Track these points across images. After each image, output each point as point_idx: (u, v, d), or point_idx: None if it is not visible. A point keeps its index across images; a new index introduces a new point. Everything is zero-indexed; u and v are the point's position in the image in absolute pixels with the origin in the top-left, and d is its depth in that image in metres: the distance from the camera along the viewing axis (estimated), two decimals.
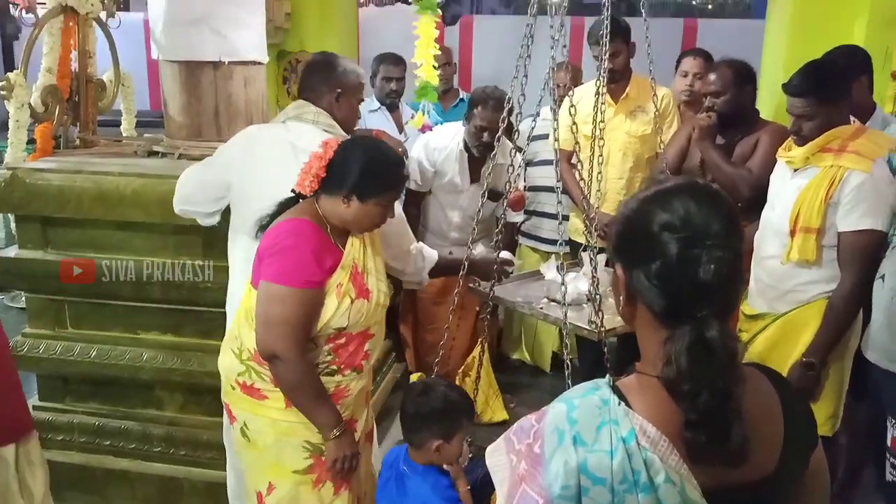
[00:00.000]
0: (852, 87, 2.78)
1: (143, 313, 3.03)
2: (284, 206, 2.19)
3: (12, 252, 3.10)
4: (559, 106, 2.42)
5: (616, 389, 1.12)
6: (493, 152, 2.80)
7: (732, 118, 3.12)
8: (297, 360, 2.06)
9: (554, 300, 2.67)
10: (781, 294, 2.69)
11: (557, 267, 2.83)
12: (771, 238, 2.72)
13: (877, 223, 2.48)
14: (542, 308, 2.67)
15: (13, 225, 3.14)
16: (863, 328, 2.60)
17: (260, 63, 3.14)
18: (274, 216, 2.17)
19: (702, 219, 1.09)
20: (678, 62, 4.07)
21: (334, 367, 2.18)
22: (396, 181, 2.23)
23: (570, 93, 2.71)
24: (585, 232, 3.02)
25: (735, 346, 1.08)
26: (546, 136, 3.70)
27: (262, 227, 2.17)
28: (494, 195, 3.24)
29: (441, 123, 3.82)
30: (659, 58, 4.11)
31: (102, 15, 3.45)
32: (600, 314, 2.40)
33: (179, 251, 2.90)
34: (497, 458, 1.17)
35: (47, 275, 2.93)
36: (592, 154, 3.01)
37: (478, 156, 3.51)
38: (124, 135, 3.72)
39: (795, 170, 2.66)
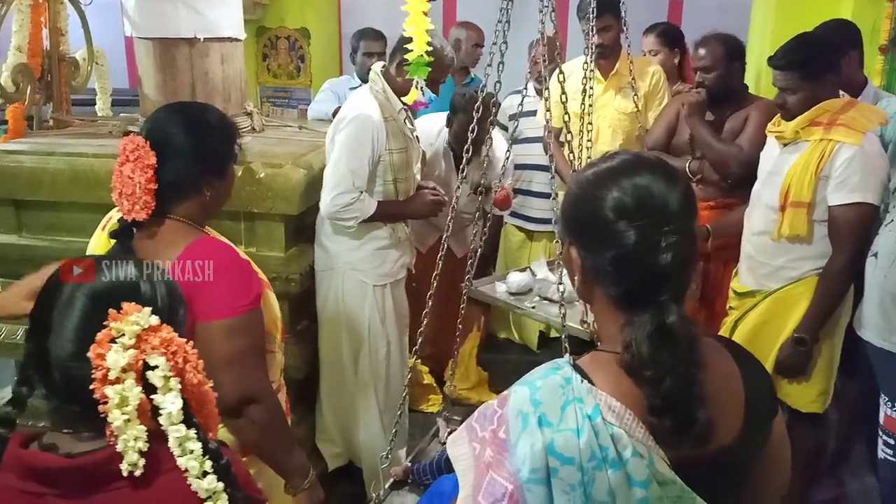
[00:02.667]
0: (841, 62, 2.74)
1: None
2: (124, 242, 1.67)
3: None
4: (547, 81, 2.34)
5: (577, 368, 1.10)
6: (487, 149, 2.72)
7: (722, 94, 3.08)
8: (272, 392, 1.78)
9: (546, 298, 2.63)
10: (772, 271, 2.66)
11: (549, 264, 2.79)
12: (761, 214, 2.69)
13: (867, 196, 2.44)
14: (533, 307, 2.62)
15: None
16: (854, 305, 2.57)
17: (237, 39, 3.06)
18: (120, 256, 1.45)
19: (658, 201, 1.06)
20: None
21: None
22: (231, 129, 1.84)
23: (559, 69, 2.63)
24: None
25: (694, 330, 1.07)
26: (534, 113, 3.63)
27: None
28: (481, 190, 3.19)
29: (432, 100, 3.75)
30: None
31: None
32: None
33: None
34: (459, 448, 1.14)
35: (22, 258, 2.84)
36: (582, 132, 2.94)
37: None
38: (99, 114, 3.63)
39: (785, 145, 2.62)
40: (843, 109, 2.53)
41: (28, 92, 3.18)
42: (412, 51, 2.57)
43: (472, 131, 2.41)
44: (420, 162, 3.08)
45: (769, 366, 2.65)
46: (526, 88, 2.80)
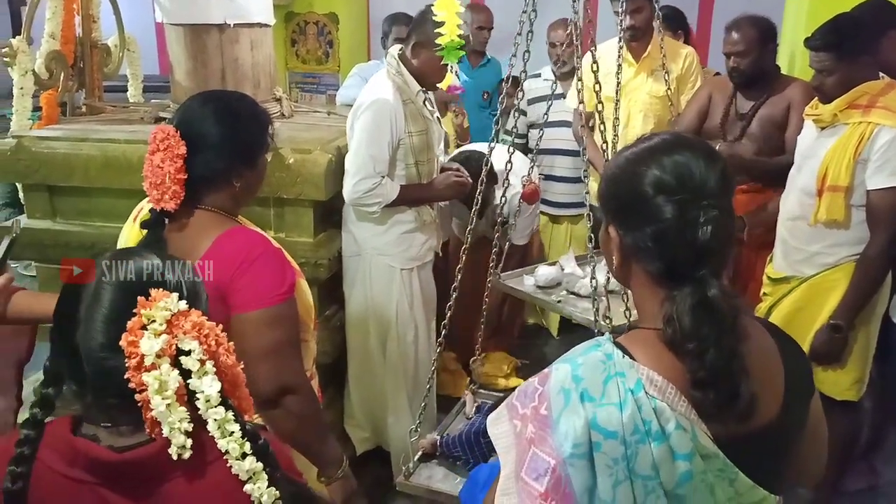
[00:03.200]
0: (880, 43, 2.68)
1: None
2: (150, 244, 1.61)
3: (21, 222, 3.06)
4: (570, 66, 2.30)
5: (618, 345, 1.11)
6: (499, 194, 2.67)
7: (756, 77, 3.02)
8: (308, 383, 1.77)
9: (573, 293, 2.60)
10: (808, 257, 2.62)
11: (577, 259, 2.75)
12: (797, 199, 2.64)
13: None
14: (559, 302, 2.59)
15: (21, 194, 3.09)
16: (891, 292, 2.52)
17: (266, 25, 3.07)
18: (153, 245, 1.57)
19: (697, 177, 1.08)
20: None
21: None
22: (264, 119, 1.83)
23: (590, 54, 2.59)
24: None
25: (736, 303, 1.08)
26: (546, 98, 3.62)
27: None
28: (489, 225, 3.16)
29: (469, 82, 3.71)
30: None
31: None
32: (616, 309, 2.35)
33: None
34: (500, 426, 1.15)
35: (56, 244, 2.89)
36: (616, 116, 2.87)
37: None
38: (131, 101, 3.66)
39: (822, 128, 2.57)
40: (882, 91, 2.48)
41: (61, 79, 3.22)
42: (439, 34, 2.55)
43: (478, 195, 2.41)
44: (443, 143, 3.07)
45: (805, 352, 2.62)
46: (540, 73, 2.75)
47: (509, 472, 1.11)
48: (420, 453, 2.21)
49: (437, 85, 2.77)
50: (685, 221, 1.06)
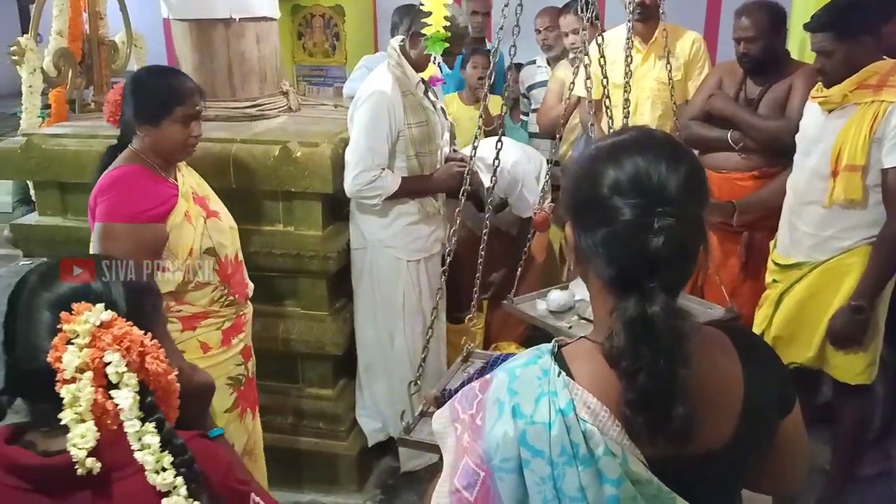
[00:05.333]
0: (883, 26, 2.65)
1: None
2: (111, 154, 2.30)
3: (33, 219, 3.09)
4: (571, 53, 2.28)
5: (560, 357, 1.07)
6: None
7: (766, 63, 3.00)
8: None
9: (585, 318, 2.57)
10: (822, 241, 2.60)
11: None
12: (809, 183, 2.62)
13: None
14: (570, 327, 2.56)
15: (32, 191, 3.11)
16: None
17: (272, 19, 3.07)
18: (104, 165, 2.27)
19: (655, 181, 1.00)
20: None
21: (231, 297, 2.35)
22: (170, 93, 2.22)
23: (600, 39, 2.56)
24: None
25: (682, 326, 0.99)
26: (544, 84, 3.61)
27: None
28: (500, 207, 3.19)
29: (447, 75, 3.71)
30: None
31: None
32: None
33: None
34: (442, 423, 1.14)
35: (67, 241, 2.91)
36: (626, 101, 2.85)
37: None
38: None
39: (830, 110, 2.55)
40: (892, 70, 2.48)
41: (70, 76, 3.23)
42: (429, 24, 2.55)
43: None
44: (449, 134, 3.06)
45: (819, 337, 2.63)
46: (536, 60, 2.75)
47: (445, 475, 1.11)
48: (421, 408, 2.19)
49: (420, 75, 2.76)
50: (637, 227, 0.98)
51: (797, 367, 2.76)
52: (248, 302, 2.48)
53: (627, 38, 2.62)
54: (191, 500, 1.07)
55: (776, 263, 2.78)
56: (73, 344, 1.05)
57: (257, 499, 1.22)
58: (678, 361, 0.98)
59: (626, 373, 0.99)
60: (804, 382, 2.99)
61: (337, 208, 2.95)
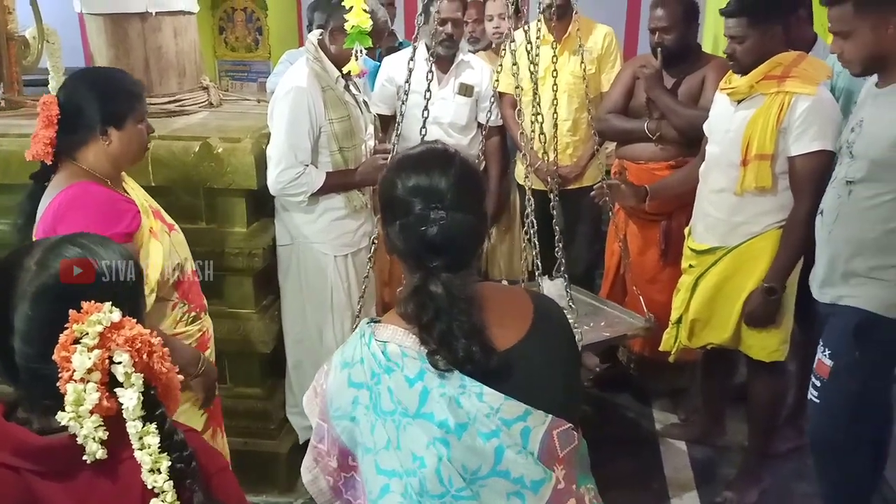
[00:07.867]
0: (789, 19, 2.78)
1: None
2: (34, 191, 2.02)
3: None
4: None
5: (375, 324, 1.35)
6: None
7: (679, 54, 3.11)
8: None
9: None
10: (733, 227, 2.70)
11: (549, 277, 2.78)
12: (719, 172, 2.73)
13: (826, 144, 2.49)
14: None
15: None
16: (806, 259, 2.63)
17: (190, 13, 3.02)
18: (29, 206, 2.02)
19: (429, 186, 1.30)
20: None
21: (194, 313, 2.22)
22: (134, 90, 2.10)
23: (511, 36, 2.61)
24: (527, 179, 2.99)
25: (464, 288, 1.27)
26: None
27: (25, 219, 2.03)
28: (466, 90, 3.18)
29: (377, 68, 3.70)
30: None
31: None
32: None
33: None
34: (308, 398, 1.42)
35: None
36: (538, 95, 2.91)
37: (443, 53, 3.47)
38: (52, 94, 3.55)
39: (739, 101, 2.65)
40: (795, 62, 2.58)
41: None
42: (346, 19, 2.55)
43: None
44: (372, 128, 3.06)
45: (734, 318, 2.73)
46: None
47: (310, 441, 1.40)
48: None
49: (345, 70, 2.75)
50: (419, 221, 1.28)
51: (714, 347, 2.87)
52: (206, 314, 2.34)
53: (537, 31, 2.67)
54: None
55: (691, 249, 2.87)
56: (80, 343, 1.04)
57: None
58: (462, 314, 1.26)
59: (422, 328, 1.27)
60: (722, 363, 3.12)
61: (261, 204, 2.92)
